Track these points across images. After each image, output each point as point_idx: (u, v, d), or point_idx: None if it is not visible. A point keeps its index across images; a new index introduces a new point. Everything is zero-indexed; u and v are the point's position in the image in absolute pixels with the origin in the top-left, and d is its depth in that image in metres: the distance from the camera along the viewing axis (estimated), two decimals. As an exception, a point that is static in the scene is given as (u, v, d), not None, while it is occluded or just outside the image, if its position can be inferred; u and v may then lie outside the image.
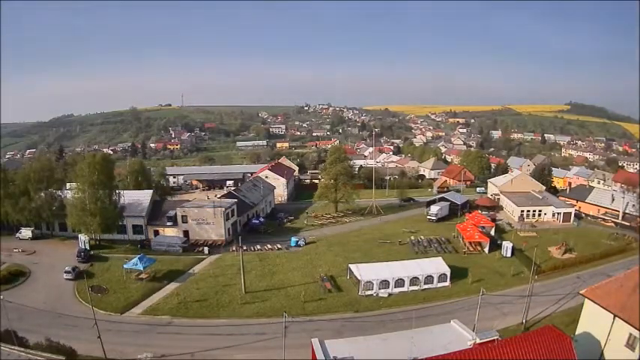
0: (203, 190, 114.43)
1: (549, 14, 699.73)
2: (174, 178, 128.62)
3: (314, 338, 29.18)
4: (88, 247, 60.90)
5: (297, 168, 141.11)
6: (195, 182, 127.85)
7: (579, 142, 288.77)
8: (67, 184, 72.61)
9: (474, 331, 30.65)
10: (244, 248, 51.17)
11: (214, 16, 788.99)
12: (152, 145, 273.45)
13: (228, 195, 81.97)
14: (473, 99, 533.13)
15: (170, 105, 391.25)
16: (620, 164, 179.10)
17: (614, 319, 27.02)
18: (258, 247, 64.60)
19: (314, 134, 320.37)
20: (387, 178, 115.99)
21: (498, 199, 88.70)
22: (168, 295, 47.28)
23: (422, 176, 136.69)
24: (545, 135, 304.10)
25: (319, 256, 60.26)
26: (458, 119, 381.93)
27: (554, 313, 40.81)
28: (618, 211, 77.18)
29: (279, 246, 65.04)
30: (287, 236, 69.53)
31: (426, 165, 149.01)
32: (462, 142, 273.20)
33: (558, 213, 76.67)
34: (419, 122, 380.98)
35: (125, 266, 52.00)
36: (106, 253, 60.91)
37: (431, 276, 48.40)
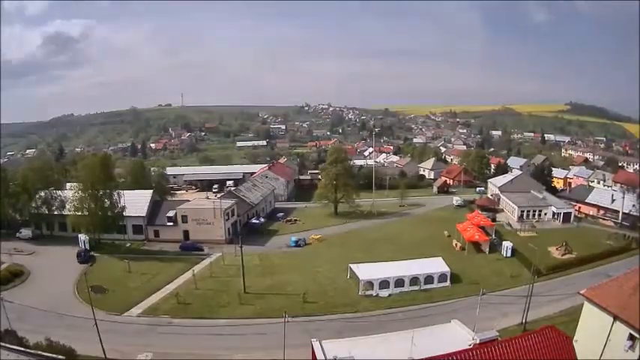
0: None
1: (550, 14, 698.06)
2: (174, 178, 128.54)
3: (314, 338, 29.19)
4: (88, 247, 60.98)
5: (297, 168, 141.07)
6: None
7: (579, 142, 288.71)
8: (67, 184, 72.64)
9: (474, 331, 30.63)
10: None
11: (214, 14, 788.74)
12: (152, 145, 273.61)
13: (228, 195, 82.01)
14: (473, 99, 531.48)
15: (170, 105, 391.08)
16: (620, 164, 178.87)
17: (614, 319, 26.99)
18: (258, 247, 64.63)
19: (314, 134, 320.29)
20: (387, 178, 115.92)
21: (498, 199, 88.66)
22: (168, 295, 47.35)
23: (422, 176, 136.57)
24: (545, 135, 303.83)
25: (319, 256, 60.28)
26: (458, 119, 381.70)
27: (554, 313, 40.80)
28: (618, 211, 77.14)
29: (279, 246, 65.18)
30: (287, 236, 69.66)
31: (426, 165, 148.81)
32: (461, 142, 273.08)
33: (558, 213, 76.65)
34: (419, 122, 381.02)
35: None
36: (106, 253, 60.99)
37: (431, 276, 48.40)
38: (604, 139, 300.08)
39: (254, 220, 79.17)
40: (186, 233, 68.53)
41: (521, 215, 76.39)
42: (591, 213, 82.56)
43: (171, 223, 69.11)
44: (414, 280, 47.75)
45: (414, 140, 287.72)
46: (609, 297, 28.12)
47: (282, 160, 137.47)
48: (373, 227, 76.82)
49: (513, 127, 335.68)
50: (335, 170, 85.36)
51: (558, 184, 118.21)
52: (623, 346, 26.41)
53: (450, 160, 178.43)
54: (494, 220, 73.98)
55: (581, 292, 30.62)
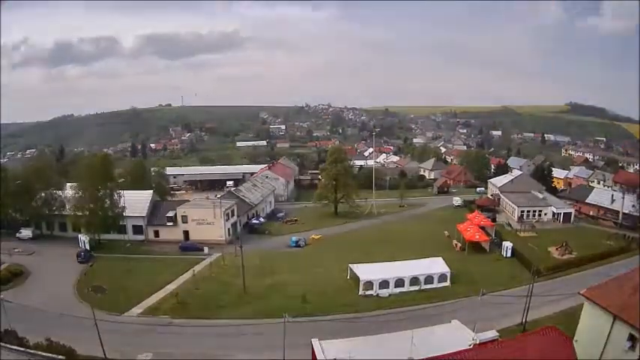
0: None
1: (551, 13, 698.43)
2: (174, 178, 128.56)
3: (314, 338, 29.18)
4: (88, 247, 61.01)
5: (297, 168, 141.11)
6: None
7: (579, 142, 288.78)
8: (67, 184, 72.69)
9: (474, 331, 30.63)
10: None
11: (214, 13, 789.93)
12: (152, 145, 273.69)
13: (228, 195, 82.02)
14: (473, 99, 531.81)
15: (170, 105, 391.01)
16: (620, 164, 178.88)
17: (614, 319, 26.99)
18: (258, 247, 64.62)
19: (314, 134, 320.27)
20: (387, 178, 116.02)
21: (498, 199, 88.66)
22: (168, 295, 47.35)
23: (422, 177, 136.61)
24: (545, 135, 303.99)
25: (319, 256, 60.28)
26: (458, 119, 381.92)
27: (554, 313, 40.78)
28: (618, 212, 77.10)
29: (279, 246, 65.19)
30: (287, 236, 69.71)
31: (426, 165, 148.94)
32: (461, 143, 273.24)
33: (558, 213, 76.66)
34: (419, 122, 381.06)
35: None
36: (106, 253, 61.00)
37: (431, 276, 48.36)
38: (604, 139, 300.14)
39: (254, 220, 79.18)
40: (186, 233, 68.58)
41: (521, 215, 76.37)
42: (591, 213, 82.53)
43: (171, 223, 69.14)
44: (414, 281, 47.71)
45: (414, 140, 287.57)
46: (609, 297, 28.11)
47: (282, 160, 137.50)
48: (373, 227, 76.83)
49: (513, 127, 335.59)
50: (335, 170, 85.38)
51: (558, 185, 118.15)
52: (623, 346, 26.41)
53: (450, 161, 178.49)
54: (494, 220, 73.97)
55: (581, 292, 30.62)
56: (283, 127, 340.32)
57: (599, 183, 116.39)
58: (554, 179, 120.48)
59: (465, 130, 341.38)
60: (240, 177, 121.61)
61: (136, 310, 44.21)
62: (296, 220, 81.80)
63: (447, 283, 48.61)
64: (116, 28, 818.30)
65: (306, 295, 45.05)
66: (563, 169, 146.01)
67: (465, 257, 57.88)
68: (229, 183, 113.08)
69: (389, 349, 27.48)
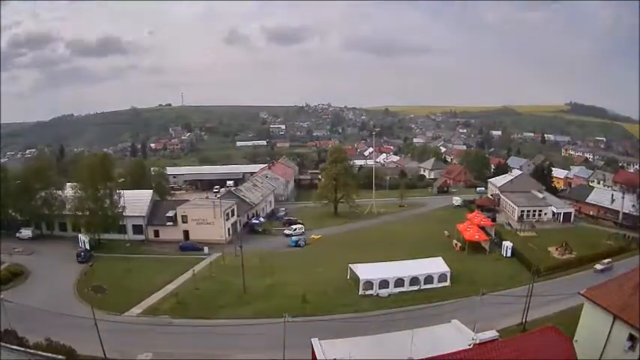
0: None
1: (549, 13, 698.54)
2: (174, 178, 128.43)
3: (314, 338, 29.17)
4: (87, 247, 61.01)
5: (297, 168, 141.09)
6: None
7: (579, 142, 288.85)
8: (67, 184, 72.69)
9: (474, 331, 30.61)
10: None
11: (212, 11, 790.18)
12: (152, 145, 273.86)
13: (228, 195, 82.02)
14: (473, 99, 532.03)
15: (170, 105, 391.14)
16: (620, 164, 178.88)
17: (614, 319, 26.99)
18: (258, 247, 64.61)
19: (314, 134, 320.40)
20: (387, 178, 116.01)
21: (498, 199, 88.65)
22: (168, 295, 47.37)
23: (422, 176, 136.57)
24: (545, 135, 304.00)
25: (319, 256, 60.26)
26: (458, 119, 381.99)
27: (554, 313, 40.77)
28: (618, 211, 77.09)
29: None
30: (287, 236, 69.71)
31: (426, 165, 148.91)
32: (461, 142, 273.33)
33: (558, 213, 76.64)
34: (419, 122, 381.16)
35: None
36: (106, 253, 61.00)
37: (431, 276, 48.38)
38: (604, 139, 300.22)
39: (254, 220, 79.14)
40: (186, 233, 68.57)
41: (521, 215, 76.36)
42: (591, 213, 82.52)
43: (171, 223, 69.13)
44: (414, 280, 47.71)
45: (414, 140, 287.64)
46: (609, 297, 28.12)
47: (282, 160, 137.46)
48: (373, 227, 76.80)
49: (513, 127, 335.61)
50: (335, 170, 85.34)
51: (558, 184, 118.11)
52: (623, 346, 26.42)
53: (450, 160, 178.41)
54: (494, 220, 73.94)
55: (581, 292, 30.62)
56: (283, 127, 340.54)
57: (599, 183, 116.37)
58: (554, 179, 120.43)
59: (465, 130, 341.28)
60: (240, 177, 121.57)
61: (136, 310, 44.24)
62: (296, 220, 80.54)
63: (447, 283, 48.62)
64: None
65: (306, 295, 45.03)
66: (563, 169, 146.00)
67: (464, 257, 57.86)
68: (229, 183, 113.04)
69: (389, 349, 27.47)
